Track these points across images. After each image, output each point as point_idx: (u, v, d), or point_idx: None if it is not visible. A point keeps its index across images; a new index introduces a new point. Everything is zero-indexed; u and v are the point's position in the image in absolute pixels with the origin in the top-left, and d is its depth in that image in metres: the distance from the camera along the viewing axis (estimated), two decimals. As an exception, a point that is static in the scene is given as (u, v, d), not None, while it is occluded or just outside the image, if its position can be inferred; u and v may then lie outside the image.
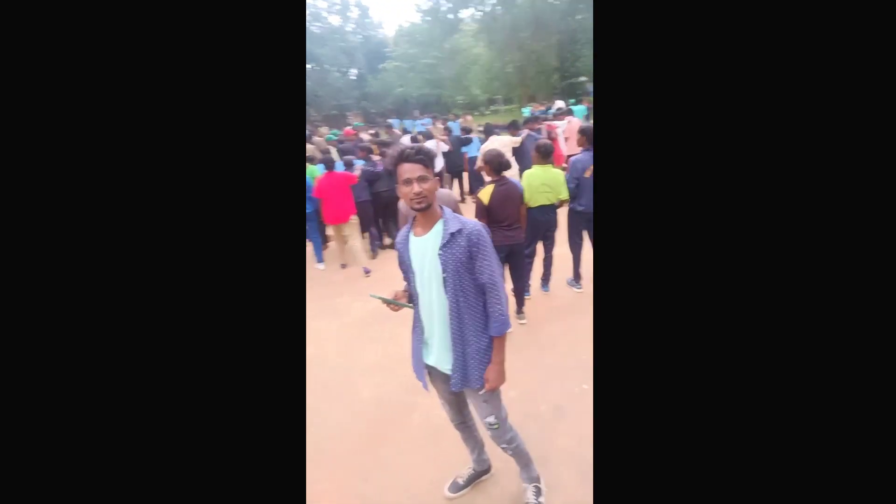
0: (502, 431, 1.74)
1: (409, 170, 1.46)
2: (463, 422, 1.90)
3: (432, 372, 1.73)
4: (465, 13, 22.59)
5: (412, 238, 1.60)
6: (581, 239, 3.76)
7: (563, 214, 3.64)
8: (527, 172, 3.49)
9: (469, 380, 1.62)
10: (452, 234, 1.50)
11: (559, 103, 13.83)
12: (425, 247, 1.56)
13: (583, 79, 19.93)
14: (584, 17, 19.03)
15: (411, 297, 1.70)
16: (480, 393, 1.64)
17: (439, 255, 1.51)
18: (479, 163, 3.06)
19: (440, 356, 1.66)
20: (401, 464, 2.22)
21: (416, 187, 1.46)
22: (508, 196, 3.04)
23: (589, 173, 3.50)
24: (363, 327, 3.71)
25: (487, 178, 3.18)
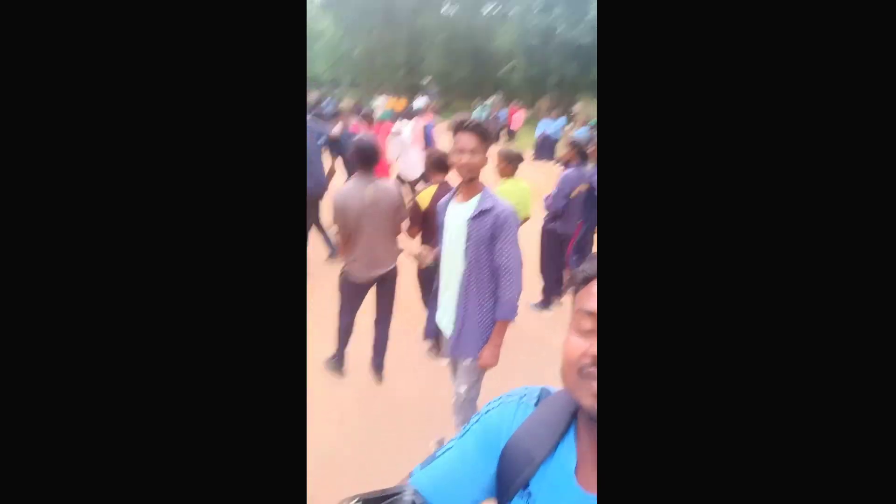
0: (466, 408, 1.74)
1: (465, 140, 1.53)
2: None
3: (440, 336, 1.85)
4: (311, -18, 20.92)
5: (452, 203, 1.72)
6: (556, 263, 3.34)
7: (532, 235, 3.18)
8: (505, 186, 2.90)
9: (461, 350, 1.68)
10: (483, 210, 1.57)
11: (420, 101, 13.66)
12: (460, 213, 1.64)
13: (427, 80, 20.63)
14: (430, 16, 19.76)
15: (437, 259, 1.83)
16: (466, 363, 1.70)
17: (467, 223, 1.59)
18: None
19: (447, 321, 1.75)
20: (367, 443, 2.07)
21: (466, 158, 1.53)
22: None
23: (576, 193, 3.12)
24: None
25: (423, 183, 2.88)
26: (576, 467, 0.52)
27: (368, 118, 5.08)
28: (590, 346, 0.47)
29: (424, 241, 2.48)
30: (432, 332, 1.92)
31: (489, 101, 14.32)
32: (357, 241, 2.19)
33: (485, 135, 1.54)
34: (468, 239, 1.60)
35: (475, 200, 1.62)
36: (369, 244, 2.20)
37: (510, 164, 2.91)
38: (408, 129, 5.35)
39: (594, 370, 0.46)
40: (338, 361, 2.51)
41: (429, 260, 1.90)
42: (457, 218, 1.66)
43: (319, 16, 22.07)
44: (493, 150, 2.87)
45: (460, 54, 20.05)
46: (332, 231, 3.63)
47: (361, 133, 3.45)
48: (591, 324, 0.48)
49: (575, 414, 0.54)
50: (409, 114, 6.33)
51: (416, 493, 0.54)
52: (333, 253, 3.98)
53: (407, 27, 19.73)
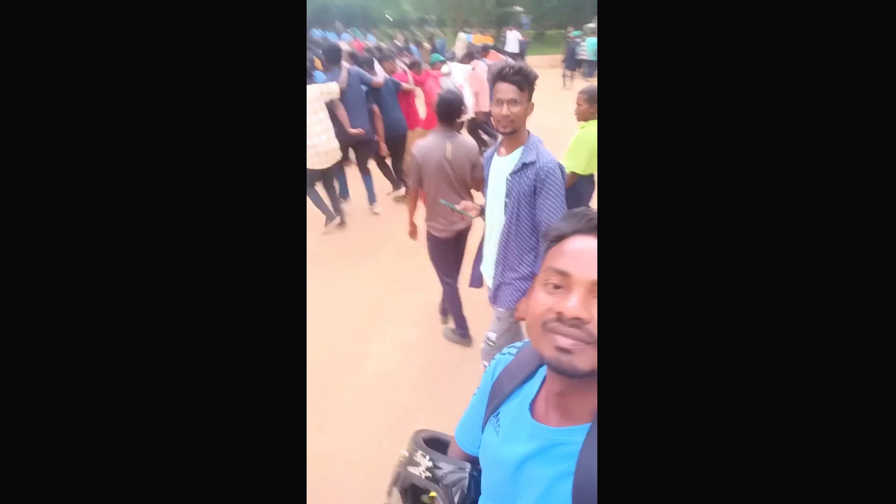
0: (492, 354, 1.74)
1: (503, 90, 1.46)
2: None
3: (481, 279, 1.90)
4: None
5: (496, 157, 1.67)
6: None
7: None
8: (585, 131, 2.57)
9: (499, 300, 1.72)
10: (525, 164, 1.52)
11: (513, 35, 12.68)
12: (502, 168, 1.60)
13: (518, 9, 19.10)
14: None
15: (482, 210, 1.81)
16: (499, 312, 1.75)
17: (507, 179, 1.55)
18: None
19: (487, 270, 1.80)
20: (356, 413, 2.16)
21: (506, 109, 1.46)
22: None
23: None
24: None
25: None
26: (533, 401, 0.59)
27: (416, 66, 4.71)
28: (554, 302, 0.50)
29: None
30: (477, 281, 1.95)
31: (585, 30, 12.96)
32: (435, 195, 2.17)
33: (526, 82, 1.46)
34: (508, 194, 1.56)
35: (517, 153, 1.56)
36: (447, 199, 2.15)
37: (592, 105, 2.57)
38: (459, 72, 4.97)
39: (557, 325, 0.49)
40: (462, 331, 2.51)
41: (474, 213, 1.86)
42: (499, 172, 1.62)
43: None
44: (576, 90, 2.68)
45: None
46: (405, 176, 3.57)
47: (448, 87, 3.29)
48: (558, 280, 0.51)
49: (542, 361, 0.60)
50: (485, 50, 5.96)
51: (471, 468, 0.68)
52: (331, 218, 3.83)
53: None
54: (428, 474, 0.68)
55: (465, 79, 4.92)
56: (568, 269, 0.50)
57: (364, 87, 3.94)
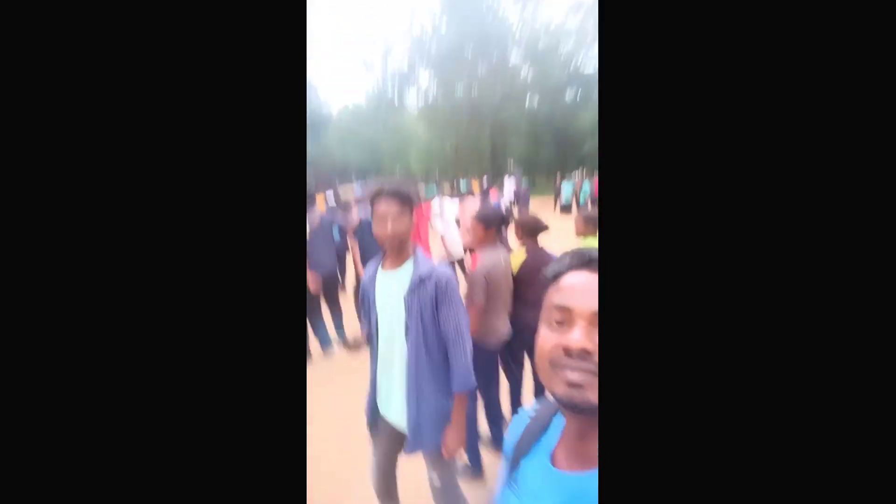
0: (448, 496, 1.51)
1: (384, 206, 1.40)
2: (387, 490, 1.62)
3: (380, 423, 1.58)
4: (408, 100, 24.94)
5: (380, 272, 1.51)
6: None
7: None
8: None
9: (424, 442, 1.45)
10: (421, 279, 1.41)
11: (509, 182, 13.83)
12: (392, 285, 1.47)
13: (509, 161, 22.50)
14: (510, 114, 22.10)
15: (369, 338, 1.58)
16: (432, 453, 1.47)
17: (405, 299, 1.42)
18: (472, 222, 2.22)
19: (396, 410, 1.50)
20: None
21: (391, 225, 1.39)
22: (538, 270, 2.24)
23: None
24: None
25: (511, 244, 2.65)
26: (553, 452, 0.58)
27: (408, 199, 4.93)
28: (559, 337, 0.51)
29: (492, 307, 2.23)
30: (372, 420, 1.61)
31: (573, 176, 15.32)
32: (487, 310, 2.12)
33: (405, 198, 1.42)
34: (409, 312, 1.41)
35: (408, 266, 1.45)
36: (496, 311, 2.15)
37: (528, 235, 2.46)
38: (450, 208, 5.25)
39: (565, 360, 0.49)
40: (476, 468, 2.20)
41: (361, 344, 1.58)
42: (390, 290, 1.46)
43: (414, 123, 25.83)
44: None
45: (542, 138, 21.83)
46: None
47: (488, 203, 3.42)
48: (559, 316, 0.52)
49: (557, 408, 0.59)
50: (484, 191, 6.50)
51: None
52: (345, 343, 3.83)
53: (491, 121, 22.18)
54: None
55: (454, 215, 5.25)
56: (568, 304, 0.51)
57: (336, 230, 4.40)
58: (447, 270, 1.46)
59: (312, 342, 3.91)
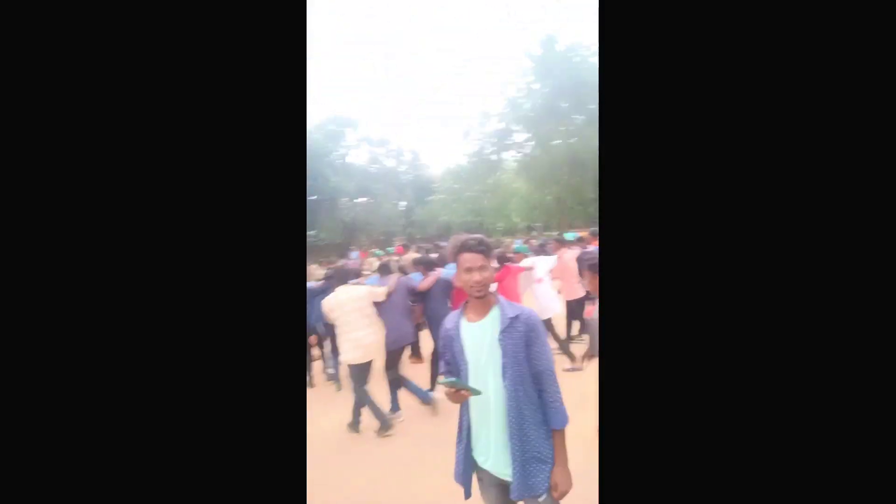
0: None
1: (469, 259, 1.49)
2: None
3: (483, 478, 1.54)
4: (506, 155, 25.15)
5: (464, 324, 1.55)
6: None
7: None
8: None
9: (533, 486, 1.42)
10: (511, 319, 1.47)
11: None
12: (482, 333, 1.50)
13: (620, 209, 20.77)
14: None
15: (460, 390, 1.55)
16: (542, 500, 1.44)
17: (499, 340, 1.46)
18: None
19: (497, 459, 1.48)
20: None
21: (477, 276, 1.48)
22: None
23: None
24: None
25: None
26: None
27: (503, 259, 4.81)
28: None
29: None
30: (465, 475, 1.57)
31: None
32: None
33: (488, 250, 1.52)
34: (504, 356, 1.45)
35: (495, 314, 1.50)
36: None
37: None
38: (542, 265, 4.98)
39: None
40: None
41: (460, 395, 1.48)
42: (482, 340, 1.49)
43: (513, 177, 25.77)
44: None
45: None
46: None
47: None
48: None
49: None
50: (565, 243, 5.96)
51: None
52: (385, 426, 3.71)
53: (592, 168, 21.04)
54: None
55: (547, 271, 4.99)
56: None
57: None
58: (533, 311, 1.53)
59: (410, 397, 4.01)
